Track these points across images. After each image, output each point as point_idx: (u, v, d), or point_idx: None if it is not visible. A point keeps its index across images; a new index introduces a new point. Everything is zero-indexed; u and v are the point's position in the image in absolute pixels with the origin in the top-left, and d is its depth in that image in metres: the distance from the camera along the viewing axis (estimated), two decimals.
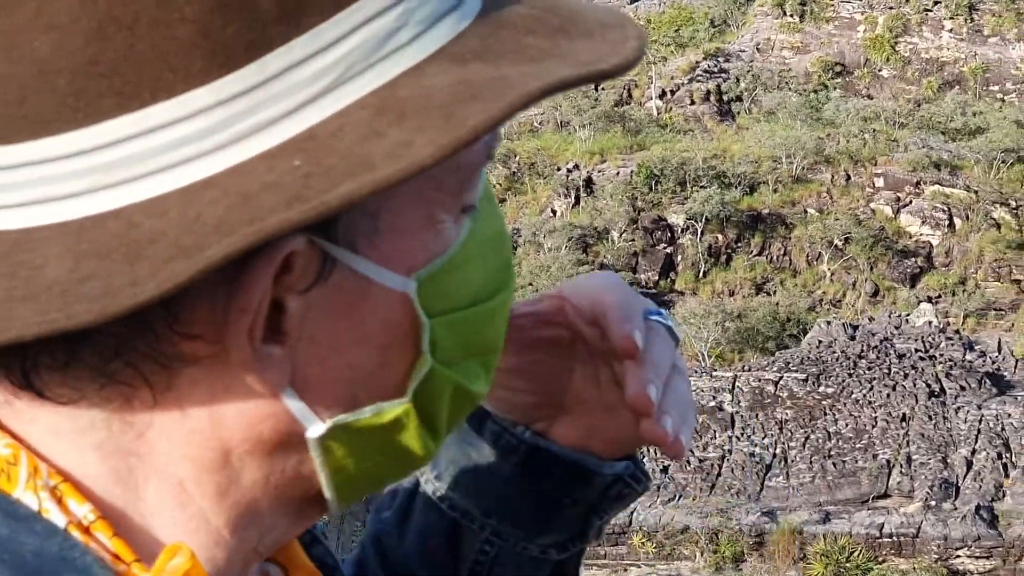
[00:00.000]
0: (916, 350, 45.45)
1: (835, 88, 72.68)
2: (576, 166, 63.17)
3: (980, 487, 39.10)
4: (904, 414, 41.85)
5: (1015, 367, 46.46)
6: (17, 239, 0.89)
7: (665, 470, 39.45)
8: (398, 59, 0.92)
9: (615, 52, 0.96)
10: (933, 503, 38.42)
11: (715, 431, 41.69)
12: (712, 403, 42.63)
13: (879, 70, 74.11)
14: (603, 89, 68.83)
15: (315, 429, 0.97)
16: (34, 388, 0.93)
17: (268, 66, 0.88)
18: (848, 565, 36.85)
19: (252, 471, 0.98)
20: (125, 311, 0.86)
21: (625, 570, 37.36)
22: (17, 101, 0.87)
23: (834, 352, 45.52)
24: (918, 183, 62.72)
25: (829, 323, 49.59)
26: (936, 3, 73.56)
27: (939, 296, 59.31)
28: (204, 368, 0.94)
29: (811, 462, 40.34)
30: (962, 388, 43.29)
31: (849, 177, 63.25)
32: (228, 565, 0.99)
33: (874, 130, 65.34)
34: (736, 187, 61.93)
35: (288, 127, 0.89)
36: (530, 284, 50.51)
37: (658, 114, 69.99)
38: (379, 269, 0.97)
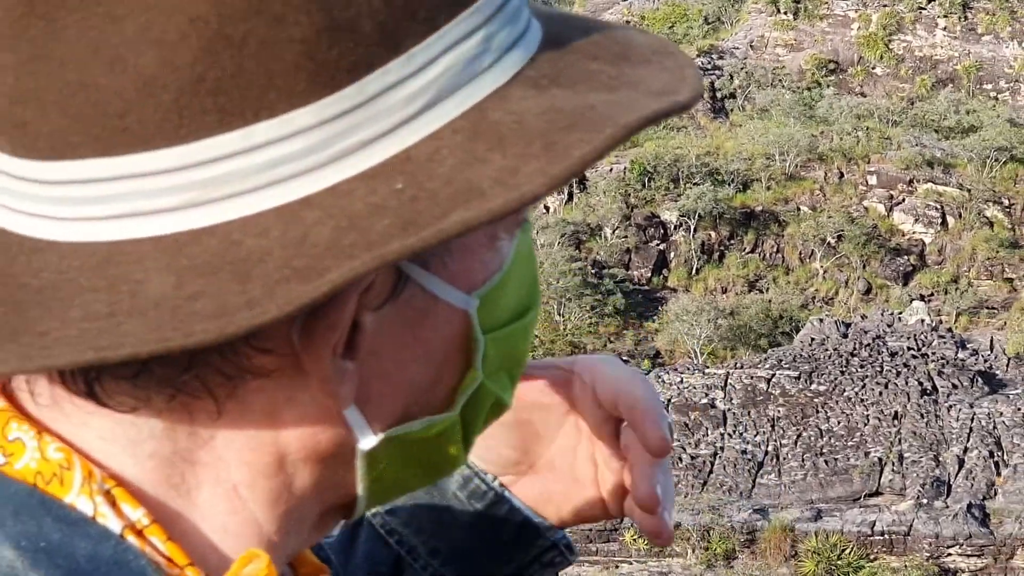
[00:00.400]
0: (908, 348, 45.47)
1: (828, 86, 72.59)
2: None
3: (972, 485, 39.13)
4: (896, 412, 41.86)
5: (1007, 365, 46.51)
6: (110, 251, 0.89)
7: None
8: (481, 83, 0.92)
9: (681, 82, 0.97)
10: (925, 501, 38.45)
11: (707, 428, 41.69)
12: (704, 400, 42.66)
13: (873, 68, 74.08)
14: None
15: (367, 441, 0.98)
16: (94, 396, 0.93)
17: (367, 87, 0.89)
18: (839, 563, 36.89)
19: (303, 478, 0.99)
20: (243, 332, 0.86)
21: (616, 566, 37.39)
22: (118, 114, 0.87)
23: (826, 350, 45.54)
24: (911, 181, 62.70)
25: (821, 321, 49.61)
26: (930, 1, 73.55)
27: (931, 294, 59.34)
28: (269, 380, 0.94)
29: (803, 460, 40.35)
30: (954, 386, 43.32)
31: (842, 175, 63.21)
32: (276, 569, 0.99)
33: (867, 128, 65.25)
34: (729, 184, 61.81)
35: (384, 149, 0.90)
36: None
37: None
38: (446, 287, 0.98)
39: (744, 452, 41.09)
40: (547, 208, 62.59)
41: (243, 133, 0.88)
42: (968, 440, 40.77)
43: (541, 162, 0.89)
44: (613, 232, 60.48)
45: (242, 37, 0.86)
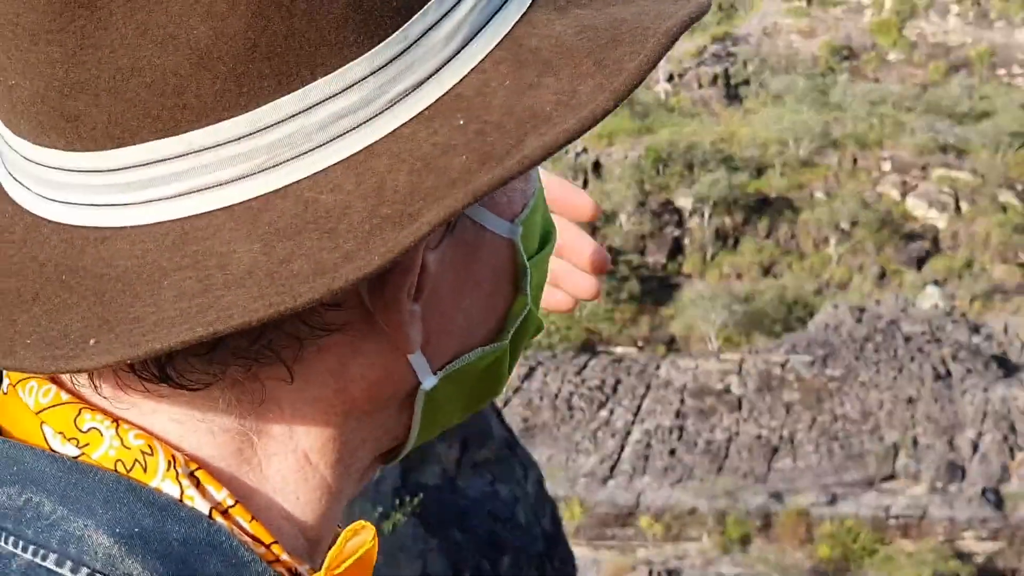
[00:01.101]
0: (922, 333, 45.40)
1: (842, 72, 72.40)
2: (584, 149, 63.01)
3: (986, 469, 39.06)
4: (910, 396, 41.81)
5: (1022, 350, 46.41)
6: (183, 229, 0.89)
7: (672, 452, 39.47)
8: (507, 13, 0.92)
9: None
10: (939, 485, 38.40)
11: (722, 413, 41.69)
12: (719, 386, 42.65)
13: (886, 54, 73.84)
14: None
15: (429, 382, 0.98)
16: (168, 379, 0.92)
17: (410, 32, 0.88)
18: (855, 547, 36.86)
19: (367, 430, 0.99)
20: (350, 285, 0.85)
21: (633, 551, 37.40)
22: (176, 92, 0.87)
23: (841, 335, 45.49)
24: (924, 167, 62.55)
25: (836, 306, 49.57)
26: None
27: (945, 279, 59.17)
28: (336, 336, 0.93)
29: (818, 444, 40.31)
30: (968, 371, 43.25)
31: (856, 161, 63.07)
32: (335, 521, 1.01)
33: (881, 114, 65.07)
34: (743, 171, 61.71)
35: (432, 89, 0.89)
36: None
37: (666, 98, 69.72)
38: (493, 218, 0.97)
39: (759, 437, 41.09)
40: None
41: (301, 93, 0.87)
42: (982, 424, 40.73)
43: (597, 79, 0.88)
44: (628, 218, 60.43)
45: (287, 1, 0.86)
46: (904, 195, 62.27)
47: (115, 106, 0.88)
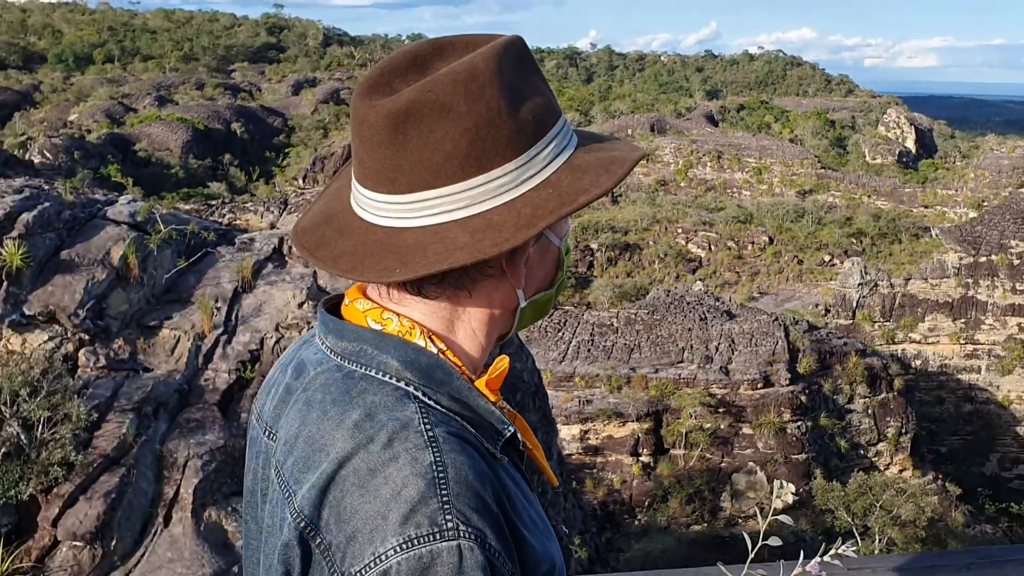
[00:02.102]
0: (696, 300, 45.23)
1: (661, 191, 72.24)
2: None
3: (721, 359, 38.92)
4: (689, 328, 41.58)
5: (736, 308, 46.23)
6: (436, 229, 0.85)
7: (589, 351, 39.50)
8: (567, 151, 0.89)
9: (636, 147, 0.95)
10: (702, 365, 38.28)
11: (610, 334, 41.58)
12: (609, 323, 42.53)
13: (680, 183, 73.69)
14: None
15: (523, 303, 0.94)
16: (421, 293, 0.89)
17: (530, 152, 0.85)
18: (666, 391, 36.77)
19: (497, 322, 0.95)
20: (503, 253, 0.83)
21: (571, 391, 37.38)
22: (435, 170, 0.83)
23: (660, 302, 45.30)
24: (696, 231, 62.33)
25: (658, 290, 49.36)
26: (704, 154, 73.39)
27: (704, 279, 59.00)
28: (488, 279, 0.90)
29: (651, 347, 40.19)
30: (713, 317, 43.04)
31: (667, 228, 62.90)
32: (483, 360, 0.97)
33: (677, 208, 64.88)
34: (619, 232, 61.56)
35: (538, 178, 0.86)
36: None
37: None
38: (554, 237, 0.95)
39: (625, 344, 40.96)
40: None
41: (486, 176, 0.84)
42: (719, 340, 40.54)
43: (605, 177, 0.88)
44: (572, 253, 59.98)
45: (483, 135, 0.83)
46: (687, 243, 62.07)
47: (409, 176, 0.84)
